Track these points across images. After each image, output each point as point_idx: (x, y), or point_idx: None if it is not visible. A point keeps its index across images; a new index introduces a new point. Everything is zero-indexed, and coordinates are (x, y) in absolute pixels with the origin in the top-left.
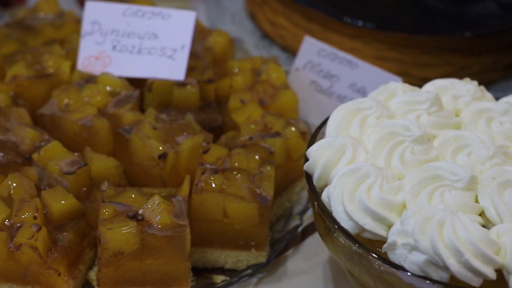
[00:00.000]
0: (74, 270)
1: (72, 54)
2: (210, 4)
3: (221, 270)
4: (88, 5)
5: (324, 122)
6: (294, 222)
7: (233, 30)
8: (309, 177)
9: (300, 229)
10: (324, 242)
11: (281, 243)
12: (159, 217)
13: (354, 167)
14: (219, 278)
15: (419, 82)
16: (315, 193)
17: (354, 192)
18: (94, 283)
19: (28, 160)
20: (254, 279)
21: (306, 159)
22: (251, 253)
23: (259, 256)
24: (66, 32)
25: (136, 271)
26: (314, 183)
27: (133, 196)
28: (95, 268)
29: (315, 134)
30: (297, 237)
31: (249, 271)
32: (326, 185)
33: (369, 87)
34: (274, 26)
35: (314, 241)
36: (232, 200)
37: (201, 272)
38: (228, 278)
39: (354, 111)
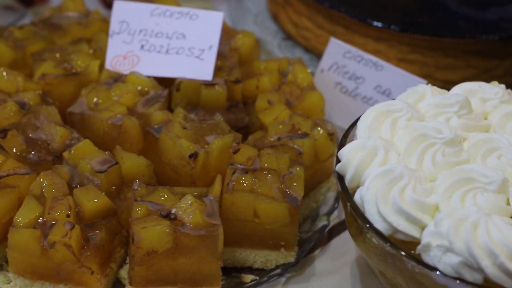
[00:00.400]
0: (106, 268)
1: (99, 53)
2: (232, 5)
3: (250, 270)
4: (116, 5)
5: (354, 123)
6: (321, 222)
7: (255, 31)
8: (341, 178)
9: (326, 229)
10: (355, 242)
11: (309, 243)
12: (191, 216)
13: (387, 169)
14: (248, 278)
15: (441, 84)
16: (347, 194)
17: (388, 193)
18: (125, 281)
19: (58, 158)
20: (283, 279)
21: (338, 160)
22: (281, 252)
23: (288, 256)
24: (93, 31)
25: (168, 269)
26: (347, 184)
27: (165, 195)
28: (126, 266)
29: (345, 136)
30: (324, 237)
31: (279, 270)
32: (358, 186)
33: (394, 89)
34: (297, 27)
35: (341, 241)
36: (263, 200)
37: (230, 271)
38: (257, 278)
39: (385, 113)
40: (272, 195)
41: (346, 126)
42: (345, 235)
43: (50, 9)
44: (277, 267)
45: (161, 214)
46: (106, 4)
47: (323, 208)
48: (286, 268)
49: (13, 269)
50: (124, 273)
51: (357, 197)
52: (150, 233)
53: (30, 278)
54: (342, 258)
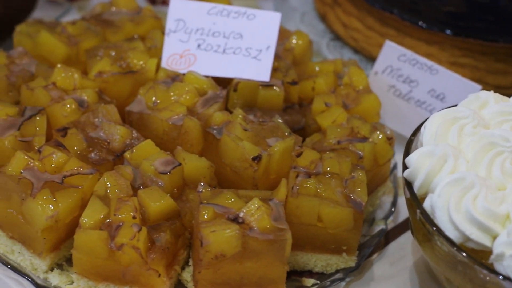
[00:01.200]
0: (171, 270)
1: (154, 51)
2: (278, 3)
3: (309, 273)
4: (173, 3)
5: (417, 129)
6: (378, 226)
7: (302, 30)
8: (409, 184)
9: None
10: (422, 248)
11: (368, 248)
12: (259, 220)
13: (459, 177)
14: (309, 281)
15: (492, 89)
16: (417, 201)
17: (460, 202)
18: (188, 283)
19: (118, 158)
20: (343, 283)
21: (404, 167)
22: (342, 257)
23: (349, 261)
24: (145, 28)
25: (235, 273)
26: (415, 191)
27: (231, 198)
28: (188, 269)
29: (409, 142)
30: (380, 242)
31: (340, 275)
32: (426, 193)
33: (448, 93)
34: (346, 28)
35: (398, 245)
36: (328, 205)
37: (289, 274)
38: (318, 282)
39: (451, 120)
40: (336, 200)
41: (399, 130)
42: (402, 240)
43: (102, 5)
44: (337, 271)
45: (229, 217)
46: (150, 0)
47: (379, 212)
48: (347, 273)
49: (77, 270)
50: (186, 275)
51: (426, 204)
52: (219, 237)
53: (94, 280)
54: (400, 262)
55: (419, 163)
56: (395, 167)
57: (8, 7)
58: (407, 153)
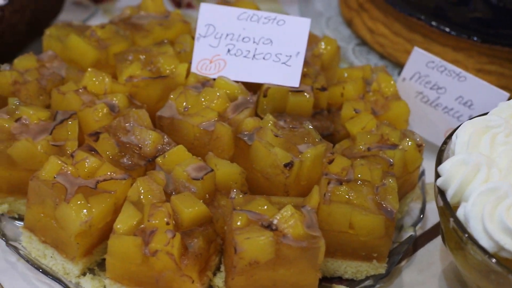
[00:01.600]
0: (203, 276)
1: (184, 56)
2: (303, 8)
3: (339, 280)
4: (203, 8)
5: (449, 137)
6: (407, 233)
7: (328, 35)
8: (442, 193)
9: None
10: (454, 256)
11: (398, 255)
12: (292, 227)
13: (493, 187)
14: None
15: None
16: (450, 209)
17: (494, 211)
18: None
19: (150, 163)
20: None
21: (437, 175)
22: (372, 264)
23: (379, 268)
24: (174, 33)
25: (267, 280)
26: (448, 199)
27: (264, 205)
28: (219, 274)
29: (441, 150)
30: (409, 248)
31: (370, 281)
32: (459, 202)
33: (476, 101)
34: (372, 33)
35: (426, 252)
36: (360, 212)
37: (319, 281)
38: None
39: (483, 129)
40: (367, 207)
41: (426, 136)
42: (430, 247)
43: (130, 8)
44: (366, 278)
45: (262, 224)
46: (175, 3)
47: (407, 219)
48: (377, 279)
49: (110, 275)
50: (218, 281)
51: (460, 213)
52: (254, 244)
53: (127, 285)
54: (429, 270)
55: (452, 172)
56: (422, 173)
57: (37, 10)
58: (439, 161)
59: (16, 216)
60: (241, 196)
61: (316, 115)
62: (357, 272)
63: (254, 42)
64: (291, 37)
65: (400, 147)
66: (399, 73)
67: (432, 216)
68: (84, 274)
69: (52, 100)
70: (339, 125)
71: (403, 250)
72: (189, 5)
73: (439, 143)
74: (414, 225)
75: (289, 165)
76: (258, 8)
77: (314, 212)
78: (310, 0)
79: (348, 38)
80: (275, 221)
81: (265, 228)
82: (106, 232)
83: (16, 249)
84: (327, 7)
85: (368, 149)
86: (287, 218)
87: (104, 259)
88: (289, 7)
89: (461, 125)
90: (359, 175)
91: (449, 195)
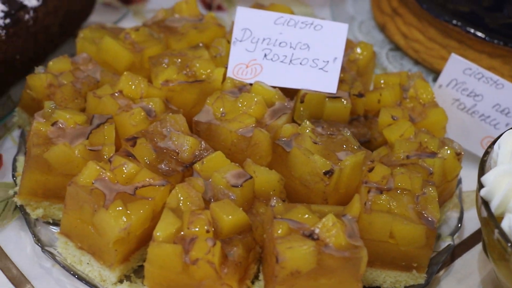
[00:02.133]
0: (243, 285)
1: (219, 60)
2: (335, 11)
3: None
4: (240, 12)
5: (490, 146)
6: (445, 242)
7: (360, 40)
8: (486, 203)
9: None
10: (497, 267)
11: (436, 265)
12: (334, 237)
13: None
14: None
15: None
16: (494, 220)
17: None
18: None
19: (187, 169)
20: None
21: (480, 186)
22: (412, 274)
23: (419, 278)
24: (209, 36)
25: None
26: (492, 210)
27: (305, 213)
28: (258, 283)
29: (483, 160)
30: (447, 258)
31: None
32: (503, 213)
33: None
34: (406, 38)
35: (464, 262)
36: (401, 222)
37: None
38: None
39: None
40: (408, 217)
41: (463, 144)
42: (468, 256)
43: (164, 11)
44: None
45: (304, 233)
46: (206, 4)
47: (444, 228)
48: None
49: (148, 283)
50: None
51: (504, 224)
52: (296, 254)
53: None
54: (468, 280)
55: (497, 183)
56: (460, 181)
57: (69, 11)
58: (482, 171)
59: (51, 221)
60: (281, 204)
61: (353, 121)
62: (396, 282)
63: (291, 47)
64: (328, 42)
65: (440, 155)
66: (434, 79)
67: (469, 225)
68: (121, 281)
69: (88, 104)
70: (376, 132)
71: (442, 260)
72: (220, 7)
73: (475, 151)
74: (452, 234)
75: (329, 173)
76: (292, 12)
77: (355, 221)
78: (341, 3)
79: (382, 42)
80: (316, 230)
81: (306, 237)
82: (144, 238)
83: (52, 255)
84: (359, 10)
85: (407, 157)
86: (329, 228)
87: (140, 266)
88: (320, 11)
89: (504, 135)
90: (399, 184)
91: (493, 206)
